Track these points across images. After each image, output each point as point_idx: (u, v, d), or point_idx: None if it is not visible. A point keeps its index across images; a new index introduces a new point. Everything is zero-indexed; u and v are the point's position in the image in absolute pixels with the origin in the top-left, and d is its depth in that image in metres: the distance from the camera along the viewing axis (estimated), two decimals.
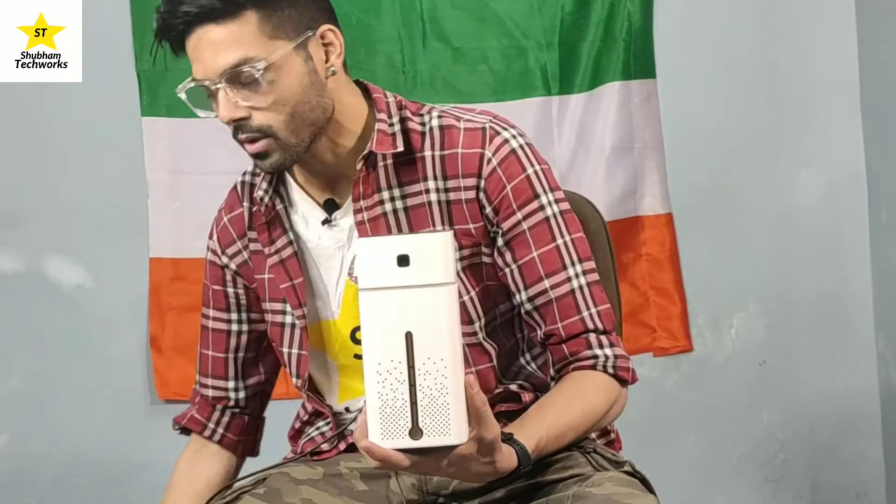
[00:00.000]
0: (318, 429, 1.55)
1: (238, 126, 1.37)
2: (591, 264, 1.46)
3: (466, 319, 1.45)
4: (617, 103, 2.81)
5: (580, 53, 2.82)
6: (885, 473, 2.89)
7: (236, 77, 1.34)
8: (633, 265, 2.84)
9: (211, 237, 1.59)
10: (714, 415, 2.90)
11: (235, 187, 1.57)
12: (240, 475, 1.60)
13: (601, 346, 1.42)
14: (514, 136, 1.44)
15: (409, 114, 1.46)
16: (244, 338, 1.59)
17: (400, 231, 1.45)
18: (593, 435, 1.49)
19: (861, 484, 2.91)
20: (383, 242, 1.13)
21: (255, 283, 1.55)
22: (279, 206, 1.49)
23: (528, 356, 1.54)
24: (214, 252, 1.58)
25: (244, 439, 1.64)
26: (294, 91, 1.36)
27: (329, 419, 1.52)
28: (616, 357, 1.42)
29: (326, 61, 1.40)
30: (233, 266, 1.56)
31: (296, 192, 1.49)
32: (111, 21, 2.70)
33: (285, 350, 1.53)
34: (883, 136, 2.80)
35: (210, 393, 1.62)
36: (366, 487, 1.42)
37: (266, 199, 1.48)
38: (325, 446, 1.50)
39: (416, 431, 1.10)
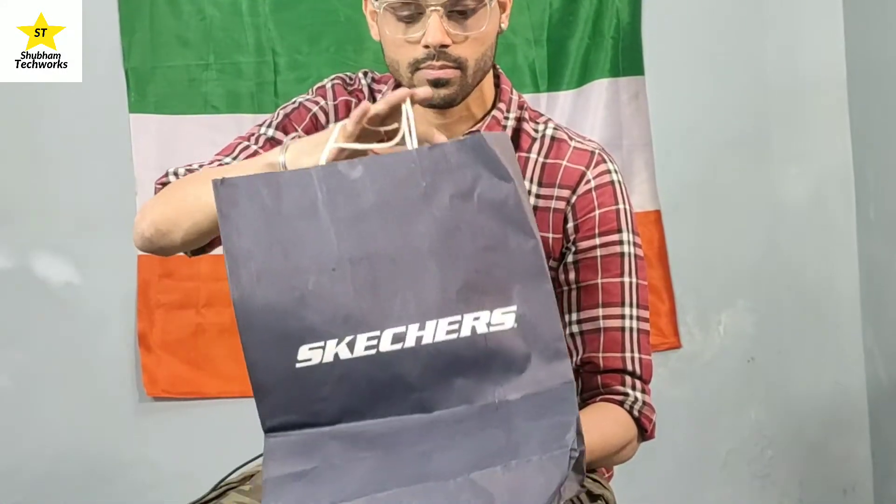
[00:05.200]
0: None
1: (439, 52, 1.38)
2: (647, 314, 1.49)
3: None
4: (605, 100, 2.81)
5: (568, 50, 2.82)
6: (872, 469, 2.90)
7: (456, 3, 1.38)
8: None
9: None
10: (702, 411, 2.90)
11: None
12: (230, 471, 1.59)
13: (634, 389, 1.45)
14: (616, 171, 1.50)
15: (527, 116, 1.52)
16: None
17: None
18: None
19: (849, 480, 2.92)
20: None
21: None
22: None
23: None
24: None
25: None
26: (489, 35, 1.43)
27: None
28: (644, 404, 1.45)
29: (500, 21, 1.47)
30: None
31: None
32: (99, 18, 2.69)
33: None
34: (870, 132, 2.80)
35: None
36: None
37: None
38: None
39: None
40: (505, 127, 1.50)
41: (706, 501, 2.92)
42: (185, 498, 1.38)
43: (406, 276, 1.11)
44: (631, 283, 1.46)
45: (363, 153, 1.24)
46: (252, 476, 1.42)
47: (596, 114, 2.81)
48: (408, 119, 1.22)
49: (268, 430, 1.13)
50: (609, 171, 1.49)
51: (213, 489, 1.40)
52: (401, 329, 1.10)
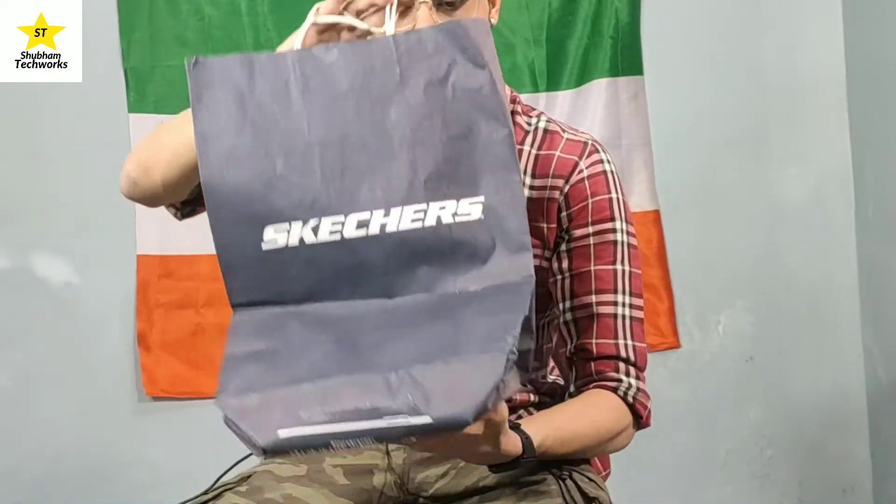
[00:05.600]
0: None
1: None
2: (640, 302, 1.48)
3: None
4: (604, 100, 2.82)
5: (568, 50, 2.82)
6: (871, 469, 2.90)
7: None
8: None
9: None
10: (701, 411, 2.90)
11: None
12: (226, 472, 1.59)
13: (628, 375, 1.43)
14: (608, 161, 1.50)
15: (519, 110, 1.52)
16: None
17: None
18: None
19: (848, 479, 2.92)
20: None
21: None
22: None
23: None
24: None
25: None
26: None
27: None
28: (639, 390, 1.44)
29: (489, 15, 1.47)
30: None
31: None
32: (99, 18, 2.70)
33: None
34: (869, 132, 2.81)
35: None
36: (348, 482, 1.43)
37: None
38: None
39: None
40: None
41: (706, 501, 2.92)
42: (185, 497, 1.39)
43: (375, 162, 1.11)
44: (624, 271, 1.46)
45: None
46: (248, 477, 1.42)
47: (595, 113, 2.81)
48: (391, 6, 1.22)
49: (235, 306, 1.13)
50: (602, 161, 1.49)
51: (210, 487, 1.40)
52: (365, 215, 1.10)
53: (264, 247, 1.11)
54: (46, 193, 2.77)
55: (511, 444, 1.20)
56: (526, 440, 1.24)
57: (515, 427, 1.24)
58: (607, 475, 1.60)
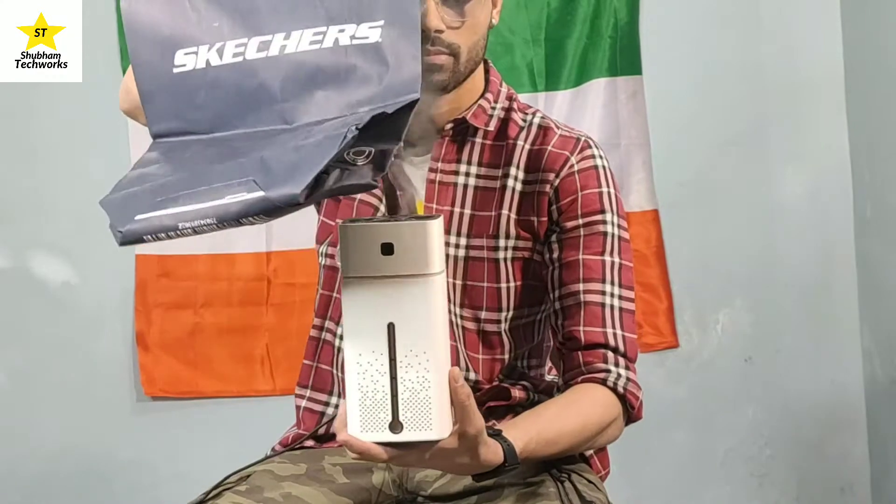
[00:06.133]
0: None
1: (434, 38, 1.39)
2: (631, 294, 1.48)
3: (496, 307, 1.48)
4: (603, 100, 2.82)
5: (566, 50, 2.82)
6: (869, 468, 2.90)
7: None
8: None
9: None
10: (700, 411, 2.90)
11: None
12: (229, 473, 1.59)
13: (617, 365, 1.42)
14: (601, 157, 1.51)
15: (515, 107, 1.54)
16: None
17: (463, 205, 1.48)
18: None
19: (846, 479, 2.92)
20: (368, 229, 1.09)
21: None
22: None
23: (526, 362, 1.55)
24: None
25: None
26: (482, 24, 1.45)
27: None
28: (629, 380, 1.42)
29: (491, 15, 1.49)
30: None
31: None
32: (97, 19, 2.70)
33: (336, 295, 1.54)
34: (867, 131, 2.81)
35: None
36: (347, 481, 1.43)
37: None
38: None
39: (396, 425, 1.07)
40: (491, 116, 1.51)
41: (704, 500, 2.92)
42: (183, 497, 1.39)
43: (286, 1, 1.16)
44: (613, 263, 1.46)
45: None
46: (248, 477, 1.42)
47: (594, 113, 2.81)
48: None
49: (155, 138, 1.18)
50: (593, 157, 1.50)
51: (212, 490, 1.40)
52: (267, 38, 1.14)
53: (175, 71, 1.16)
54: (45, 193, 2.77)
55: (491, 453, 1.18)
56: (507, 448, 1.22)
57: (497, 434, 1.22)
58: (606, 474, 1.60)
